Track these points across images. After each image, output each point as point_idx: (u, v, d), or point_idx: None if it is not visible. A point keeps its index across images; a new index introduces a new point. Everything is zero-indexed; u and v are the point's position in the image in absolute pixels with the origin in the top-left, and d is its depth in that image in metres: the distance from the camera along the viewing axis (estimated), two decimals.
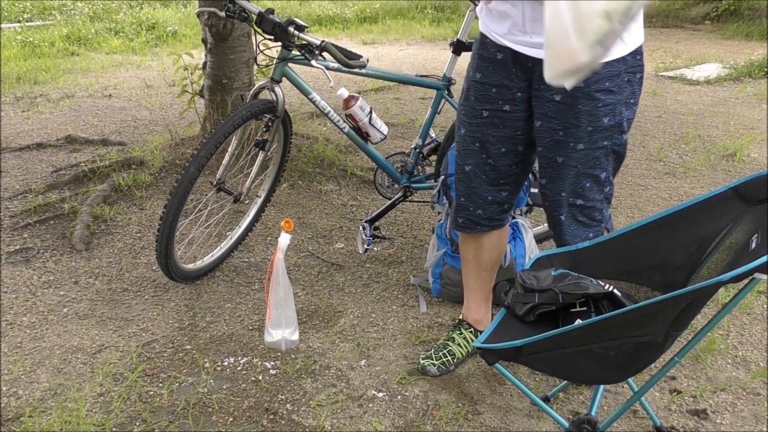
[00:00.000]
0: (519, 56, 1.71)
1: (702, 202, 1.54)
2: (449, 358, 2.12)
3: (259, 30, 2.39)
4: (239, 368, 2.12)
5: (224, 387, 2.03)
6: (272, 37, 2.40)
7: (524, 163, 1.90)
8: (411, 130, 4.48)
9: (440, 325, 2.37)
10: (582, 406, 1.98)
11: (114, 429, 1.85)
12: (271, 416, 1.91)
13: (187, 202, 2.33)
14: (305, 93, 2.56)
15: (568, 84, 1.34)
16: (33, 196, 3.24)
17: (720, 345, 2.27)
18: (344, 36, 8.62)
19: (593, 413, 1.63)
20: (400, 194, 2.80)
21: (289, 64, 2.47)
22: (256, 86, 2.50)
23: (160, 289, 2.56)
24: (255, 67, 3.47)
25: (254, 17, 2.38)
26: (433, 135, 2.82)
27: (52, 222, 3.02)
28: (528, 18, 1.64)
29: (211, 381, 2.05)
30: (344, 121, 2.62)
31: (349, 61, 2.31)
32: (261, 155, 2.58)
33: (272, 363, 2.14)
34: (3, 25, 8.04)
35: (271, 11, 2.38)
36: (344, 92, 2.59)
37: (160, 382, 2.04)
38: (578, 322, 1.41)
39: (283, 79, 2.48)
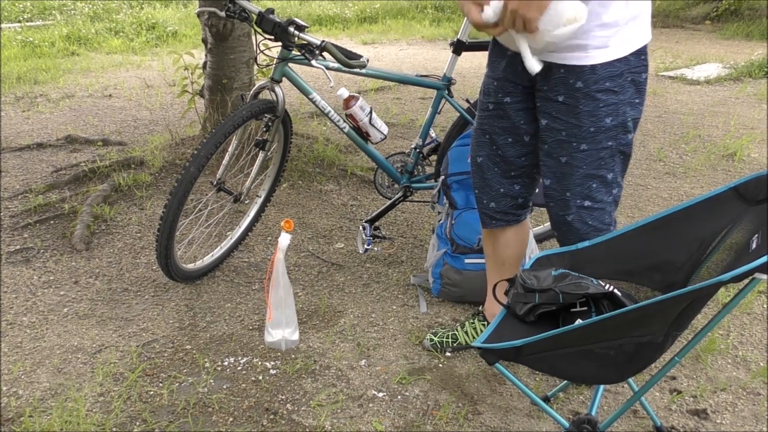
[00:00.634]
0: None
1: (702, 202, 1.54)
2: (449, 340, 2.19)
3: (259, 30, 2.39)
4: (239, 368, 2.12)
5: (224, 387, 2.03)
6: (272, 37, 2.40)
7: (534, 156, 1.89)
8: (411, 130, 4.48)
9: (440, 325, 2.37)
10: (582, 406, 1.98)
11: (114, 429, 1.85)
12: (271, 416, 1.91)
13: (187, 202, 2.33)
14: (305, 93, 2.56)
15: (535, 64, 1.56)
16: (33, 196, 3.24)
17: (720, 345, 2.27)
18: (344, 36, 8.62)
19: (593, 413, 1.63)
20: (400, 194, 2.80)
21: (289, 64, 2.47)
22: (256, 86, 2.50)
23: (160, 289, 2.56)
24: (255, 67, 3.47)
25: (254, 17, 2.38)
26: (433, 135, 2.82)
27: (52, 222, 3.02)
28: None
29: (211, 381, 2.05)
30: (344, 121, 2.62)
31: (349, 61, 2.31)
32: (261, 155, 2.58)
33: (272, 363, 2.14)
34: (3, 25, 8.04)
35: (271, 11, 2.38)
36: (344, 92, 2.59)
37: (160, 382, 2.04)
38: (578, 322, 1.41)
39: (283, 79, 2.48)
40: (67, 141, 4.06)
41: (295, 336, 2.23)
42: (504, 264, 2.10)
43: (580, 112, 1.68)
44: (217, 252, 2.68)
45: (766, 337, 2.35)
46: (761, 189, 1.47)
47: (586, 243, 1.65)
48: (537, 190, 2.05)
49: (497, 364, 1.40)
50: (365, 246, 2.68)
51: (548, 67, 1.65)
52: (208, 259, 2.64)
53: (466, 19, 2.64)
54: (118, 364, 2.12)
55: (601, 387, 1.72)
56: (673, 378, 2.11)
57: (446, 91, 2.68)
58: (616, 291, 1.48)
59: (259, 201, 2.80)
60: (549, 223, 2.74)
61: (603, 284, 1.50)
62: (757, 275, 1.22)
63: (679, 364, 2.13)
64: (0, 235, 2.89)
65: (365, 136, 2.65)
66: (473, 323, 2.22)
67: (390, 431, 1.87)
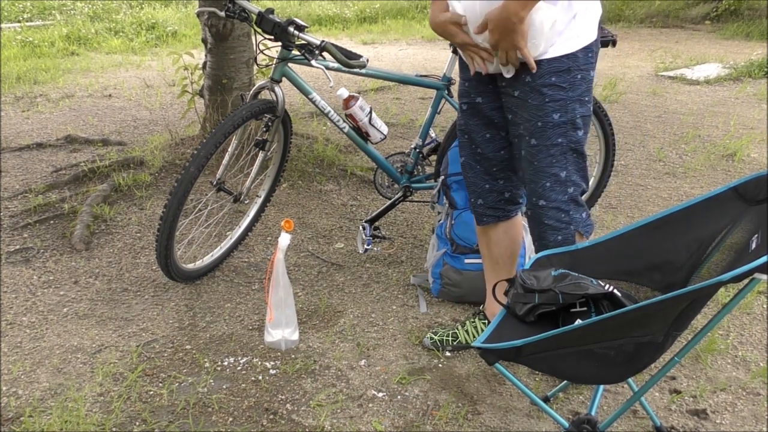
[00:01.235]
0: None
1: (702, 202, 1.54)
2: (449, 339, 2.20)
3: (259, 30, 2.39)
4: (239, 368, 2.12)
5: (224, 387, 2.03)
6: (272, 37, 2.40)
7: (512, 148, 1.92)
8: (411, 130, 4.48)
9: (440, 325, 2.36)
10: (582, 406, 1.98)
11: (114, 429, 1.85)
12: (271, 416, 1.91)
13: (187, 202, 2.33)
14: (305, 93, 2.56)
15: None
16: (33, 196, 3.24)
17: (720, 345, 2.27)
18: (344, 36, 8.62)
19: (593, 413, 1.63)
20: (400, 194, 2.80)
21: (289, 64, 2.47)
22: (256, 86, 2.50)
23: (160, 289, 2.56)
24: (255, 67, 3.47)
25: (254, 17, 2.38)
26: (433, 135, 2.82)
27: (52, 222, 3.02)
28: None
29: (211, 381, 2.05)
30: (344, 121, 2.62)
31: (349, 61, 2.31)
32: (261, 155, 2.58)
33: (272, 363, 2.14)
34: (3, 25, 8.04)
35: (271, 11, 2.38)
36: (344, 92, 2.59)
37: (160, 382, 2.04)
38: (578, 322, 1.41)
39: (283, 79, 2.48)
40: (67, 141, 4.06)
41: (295, 336, 2.23)
42: (498, 262, 2.12)
43: (528, 106, 1.73)
44: (217, 252, 2.68)
45: (766, 337, 2.35)
46: (761, 189, 1.47)
47: (586, 243, 1.65)
48: None
49: (497, 364, 1.40)
50: (365, 246, 2.68)
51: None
52: (207, 259, 2.64)
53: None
54: (118, 364, 2.12)
55: (601, 387, 1.72)
56: (673, 378, 2.11)
57: (446, 91, 2.68)
58: (616, 291, 1.48)
59: (259, 201, 2.80)
60: None
61: (603, 284, 1.50)
62: (756, 275, 1.22)
63: (679, 364, 2.13)
64: (0, 235, 2.89)
65: (365, 136, 2.65)
66: (474, 322, 2.22)
67: (390, 431, 1.87)
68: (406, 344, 2.26)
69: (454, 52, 2.65)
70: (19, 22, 8.49)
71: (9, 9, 9.03)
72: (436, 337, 2.21)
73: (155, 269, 2.67)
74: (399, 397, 2.01)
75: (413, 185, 2.80)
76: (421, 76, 2.69)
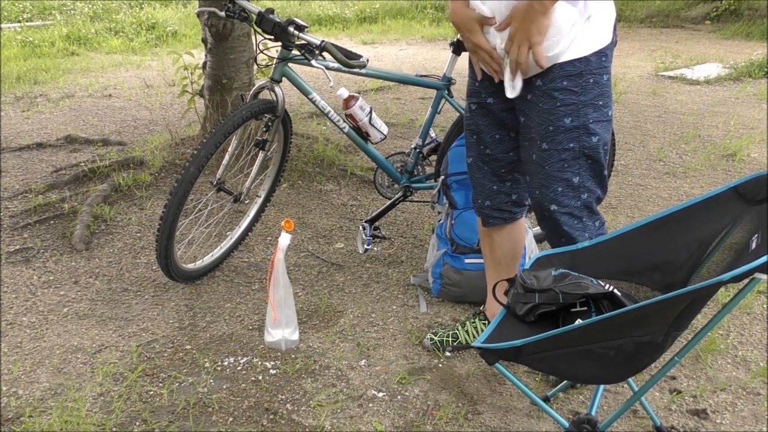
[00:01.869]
0: None
1: (702, 202, 1.54)
2: (449, 339, 2.19)
3: (259, 30, 2.39)
4: (239, 368, 2.12)
5: (224, 387, 2.03)
6: (272, 37, 2.40)
7: (522, 152, 1.91)
8: (411, 130, 4.48)
9: (440, 325, 2.37)
10: (582, 406, 1.98)
11: (114, 429, 1.85)
12: (271, 416, 1.91)
13: (187, 202, 2.33)
14: (305, 93, 2.56)
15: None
16: (33, 196, 3.24)
17: (720, 345, 2.27)
18: (344, 36, 8.62)
19: (593, 413, 1.63)
20: (400, 194, 2.80)
21: (289, 64, 2.47)
22: (256, 86, 2.50)
23: (160, 289, 2.56)
24: (255, 67, 3.47)
25: (254, 17, 2.38)
26: (433, 135, 2.82)
27: (52, 222, 3.02)
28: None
29: (211, 381, 2.05)
30: (344, 121, 2.62)
31: (349, 61, 2.31)
32: (261, 155, 2.58)
33: (272, 363, 2.14)
34: (3, 25, 8.04)
35: (271, 11, 2.38)
36: (344, 92, 2.59)
37: (160, 382, 2.04)
38: (578, 322, 1.41)
39: (283, 78, 2.48)
40: (67, 141, 4.06)
41: (295, 336, 2.23)
42: (500, 263, 2.11)
43: (540, 110, 1.70)
44: (217, 252, 2.68)
45: (766, 337, 2.35)
46: (761, 189, 1.47)
47: (586, 243, 1.65)
48: None
49: (497, 364, 1.40)
50: (365, 246, 2.68)
51: None
52: (207, 259, 2.64)
53: None
54: (118, 364, 2.12)
55: (601, 387, 1.72)
56: (673, 378, 2.11)
57: (446, 91, 2.68)
58: (616, 291, 1.48)
59: (259, 201, 2.80)
60: None
61: (603, 284, 1.50)
62: (756, 275, 1.22)
63: (679, 364, 2.13)
64: (0, 235, 2.89)
65: (365, 136, 2.65)
66: (474, 322, 2.22)
67: (390, 431, 1.87)
68: (406, 344, 2.26)
69: (455, 52, 2.66)
70: (19, 22, 8.49)
71: (9, 9, 9.03)
72: (436, 338, 2.21)
73: (155, 269, 2.67)
74: (399, 397, 2.01)
75: (413, 185, 2.80)
76: (421, 76, 2.69)
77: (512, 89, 1.68)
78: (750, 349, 2.28)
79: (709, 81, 6.15)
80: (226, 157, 2.53)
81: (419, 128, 2.80)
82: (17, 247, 2.82)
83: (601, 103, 1.68)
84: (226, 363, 2.14)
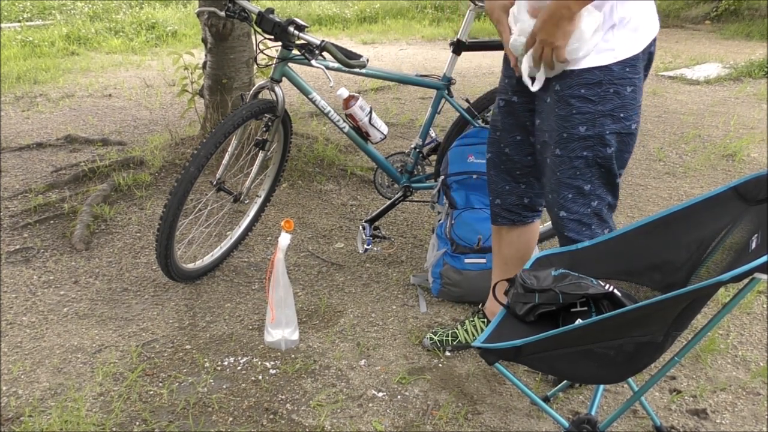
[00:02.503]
0: None
1: (702, 202, 1.54)
2: (449, 339, 2.19)
3: (259, 30, 2.39)
4: (239, 368, 2.12)
5: (224, 387, 2.03)
6: (272, 37, 2.40)
7: (537, 154, 1.90)
8: (411, 130, 4.48)
9: (440, 325, 2.37)
10: (582, 406, 1.98)
11: (114, 429, 1.85)
12: (271, 416, 1.91)
13: (187, 201, 2.33)
14: (305, 93, 2.56)
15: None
16: (33, 195, 3.24)
17: (720, 345, 2.27)
18: (344, 36, 8.62)
19: (593, 413, 1.63)
20: (400, 194, 2.80)
21: (289, 64, 2.47)
22: (256, 86, 2.50)
23: (160, 288, 2.56)
24: (255, 66, 3.47)
25: (254, 17, 2.37)
26: (433, 135, 2.82)
27: (52, 222, 3.02)
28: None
29: (211, 381, 2.05)
30: (344, 121, 2.62)
31: (349, 60, 2.31)
32: (261, 155, 2.58)
33: (272, 363, 2.14)
34: (3, 25, 8.03)
35: (271, 11, 2.38)
36: (344, 92, 2.59)
37: (160, 382, 2.04)
38: (578, 322, 1.41)
39: (283, 78, 2.48)
40: (67, 141, 4.06)
41: (295, 336, 2.23)
42: (506, 263, 2.11)
43: (555, 115, 1.68)
44: (217, 252, 2.68)
45: (766, 337, 2.35)
46: (761, 189, 1.47)
47: (586, 243, 1.65)
48: None
49: (497, 364, 1.40)
50: (365, 246, 2.68)
51: None
52: (207, 259, 2.64)
53: (465, 18, 2.64)
54: (118, 364, 2.12)
55: (601, 387, 1.72)
56: (673, 378, 2.11)
57: (446, 91, 2.68)
58: (616, 291, 1.48)
59: (259, 201, 2.80)
60: (549, 223, 2.75)
61: (603, 284, 1.50)
62: (756, 275, 1.22)
63: (679, 364, 2.13)
64: (0, 235, 2.89)
65: (365, 136, 2.65)
66: (473, 321, 2.22)
67: (390, 431, 1.87)
68: (406, 344, 2.26)
69: (455, 52, 2.66)
70: (19, 21, 8.48)
71: (9, 9, 9.03)
72: (436, 338, 2.21)
73: (155, 269, 2.67)
74: (399, 396, 2.01)
75: (413, 185, 2.80)
76: (421, 76, 2.69)
77: (531, 83, 1.68)
78: (750, 349, 2.28)
79: (709, 81, 6.15)
80: (226, 156, 2.53)
81: (419, 128, 2.80)
82: (17, 246, 2.82)
83: (622, 115, 1.63)
84: (225, 363, 2.14)
